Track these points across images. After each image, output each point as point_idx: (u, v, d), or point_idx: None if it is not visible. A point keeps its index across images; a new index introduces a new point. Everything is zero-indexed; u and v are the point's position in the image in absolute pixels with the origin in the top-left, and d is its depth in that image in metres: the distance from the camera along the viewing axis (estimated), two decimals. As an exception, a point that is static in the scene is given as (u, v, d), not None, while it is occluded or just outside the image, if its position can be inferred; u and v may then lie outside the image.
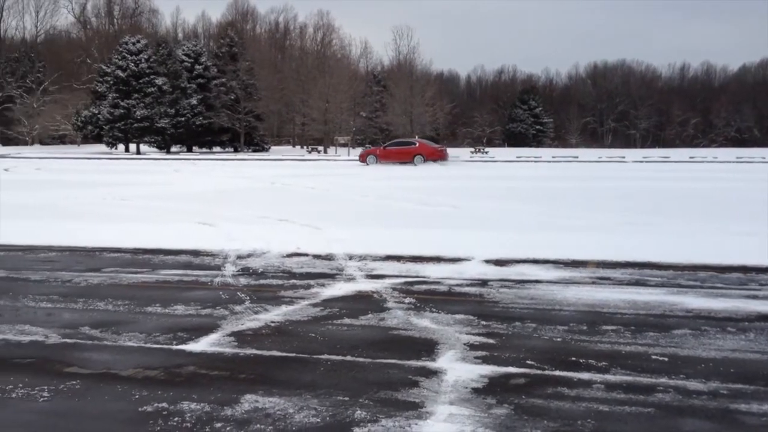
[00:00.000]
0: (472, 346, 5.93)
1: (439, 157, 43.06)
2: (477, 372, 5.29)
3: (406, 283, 8.55)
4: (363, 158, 43.98)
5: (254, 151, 71.44)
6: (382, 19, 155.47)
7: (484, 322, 6.69)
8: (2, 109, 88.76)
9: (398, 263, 9.83)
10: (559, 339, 6.19)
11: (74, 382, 5.09)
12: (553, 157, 53.95)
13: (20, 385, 5.01)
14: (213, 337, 6.25)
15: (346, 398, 4.76)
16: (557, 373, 5.29)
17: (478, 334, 6.29)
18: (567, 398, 4.78)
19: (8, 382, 5.08)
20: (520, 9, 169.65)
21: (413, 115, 77.07)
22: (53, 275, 9.17)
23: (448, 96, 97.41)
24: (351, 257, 10.29)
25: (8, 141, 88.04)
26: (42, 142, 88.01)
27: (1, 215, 15.24)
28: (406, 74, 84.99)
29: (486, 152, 65.98)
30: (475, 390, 4.92)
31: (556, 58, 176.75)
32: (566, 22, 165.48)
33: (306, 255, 10.50)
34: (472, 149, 71.66)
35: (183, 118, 66.90)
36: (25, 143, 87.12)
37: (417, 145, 44.05)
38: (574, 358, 5.63)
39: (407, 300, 7.61)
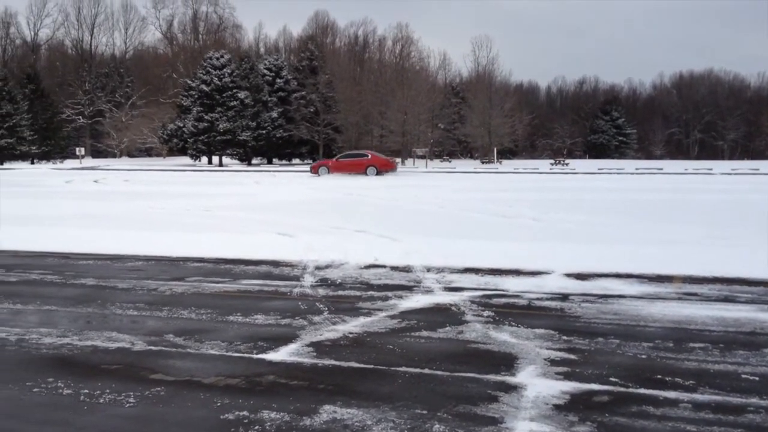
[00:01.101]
0: (553, 362, 5.82)
1: (391, 168, 45.13)
2: (558, 388, 5.18)
3: (484, 296, 8.46)
4: (315, 170, 45.12)
5: (333, 163, 72.25)
6: (461, 30, 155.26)
7: (565, 337, 6.56)
8: (93, 123, 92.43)
9: (477, 276, 9.75)
10: (643, 356, 6.01)
11: (159, 389, 5.21)
12: (636, 168, 52.73)
13: (108, 391, 5.16)
14: (292, 346, 6.31)
15: (425, 411, 4.73)
16: (642, 391, 5.13)
17: (560, 350, 6.17)
18: (652, 417, 4.63)
19: (96, 387, 5.24)
20: (602, 19, 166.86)
21: (491, 126, 76.57)
22: (139, 284, 9.43)
23: (528, 107, 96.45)
24: (429, 269, 10.25)
25: (98, 153, 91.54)
26: (130, 155, 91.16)
27: (90, 225, 15.81)
28: (484, 85, 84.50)
29: (566, 164, 65.00)
30: (557, 406, 4.81)
31: (639, 67, 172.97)
32: (650, 31, 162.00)
33: (383, 266, 10.52)
34: (552, 161, 70.74)
35: (264, 131, 68.17)
36: (114, 156, 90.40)
37: (369, 156, 45.88)
38: (659, 376, 5.45)
39: (486, 313, 7.53)
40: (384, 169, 44.14)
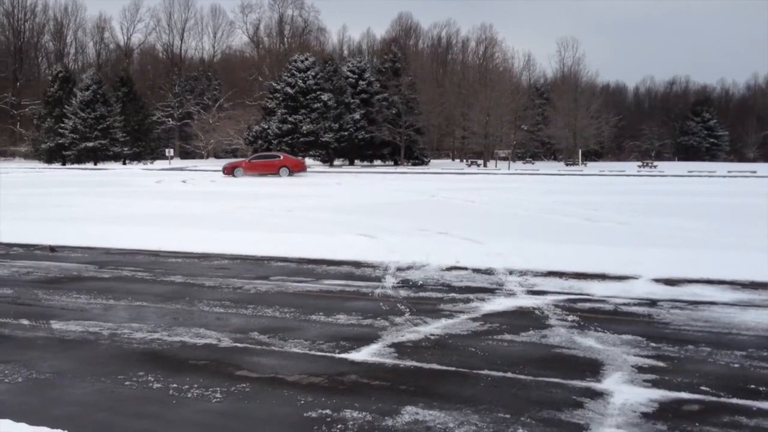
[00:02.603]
0: (641, 369, 5.66)
1: (302, 168, 46.51)
2: (646, 396, 5.03)
3: (568, 300, 8.30)
4: (228, 170, 45.38)
5: (414, 164, 72.30)
6: (546, 31, 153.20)
7: (653, 344, 6.37)
8: (182, 124, 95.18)
9: (560, 279, 9.58)
10: (736, 365, 5.78)
11: (244, 385, 5.31)
12: (728, 171, 50.92)
13: (195, 386, 5.28)
14: (374, 347, 6.34)
15: (508, 415, 4.67)
16: (734, 401, 4.94)
17: (647, 356, 6.00)
18: (745, 428, 4.45)
19: (185, 382, 5.37)
20: (692, 18, 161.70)
21: (577, 128, 75.27)
22: (225, 282, 9.64)
23: (615, 108, 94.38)
24: (511, 272, 10.13)
25: (186, 154, 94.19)
26: (216, 156, 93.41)
27: (179, 224, 16.25)
28: (570, 86, 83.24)
29: (654, 166, 63.30)
30: (644, 414, 4.68)
31: (732, 67, 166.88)
32: (744, 30, 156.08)
33: (465, 269, 10.45)
34: (640, 163, 69.00)
35: (346, 133, 68.81)
36: (201, 156, 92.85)
37: (282, 157, 47.30)
38: (753, 386, 5.24)
39: (570, 318, 7.38)
40: (296, 169, 45.71)
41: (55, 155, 73.04)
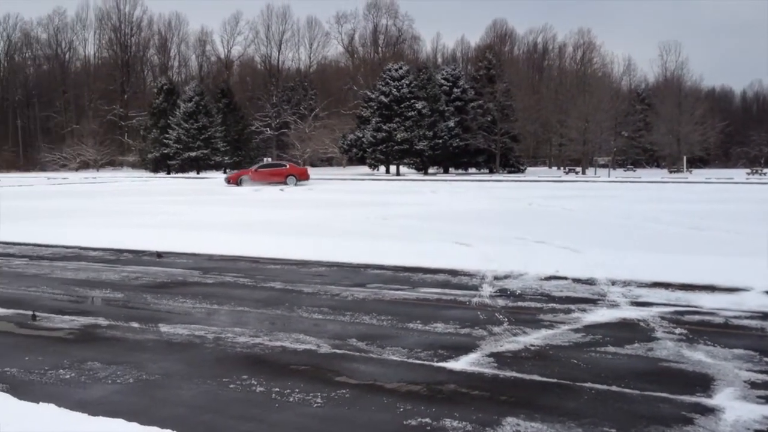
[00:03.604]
0: (754, 384, 5.40)
1: (306, 177, 46.50)
2: (760, 413, 4.80)
3: (675, 312, 8.01)
4: (234, 179, 44.70)
5: (509, 172, 71.57)
6: (646, 35, 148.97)
7: (767, 359, 6.07)
8: (279, 134, 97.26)
9: (666, 291, 9.25)
10: None
11: (344, 391, 5.35)
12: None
13: (296, 390, 5.36)
14: (472, 356, 6.28)
15: (613, 430, 4.54)
16: None
17: (761, 372, 5.72)
18: None
19: (286, 386, 5.46)
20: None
21: (681, 134, 72.87)
22: (323, 289, 9.76)
23: (721, 114, 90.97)
24: (614, 282, 9.87)
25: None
26: (312, 164, 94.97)
27: (277, 232, 16.57)
28: (673, 91, 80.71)
29: (764, 173, 60.61)
30: (760, 434, 4.46)
31: None
32: None
33: (565, 278, 10.24)
34: (749, 170, 66.20)
35: (440, 140, 68.76)
36: (297, 165, 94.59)
37: (288, 166, 47.54)
38: None
39: (677, 330, 7.12)
40: (302, 178, 45.80)
41: (161, 164, 75.92)
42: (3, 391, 5.10)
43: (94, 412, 4.63)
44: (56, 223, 19.28)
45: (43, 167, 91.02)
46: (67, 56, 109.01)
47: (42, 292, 9.63)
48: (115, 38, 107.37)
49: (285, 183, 44.62)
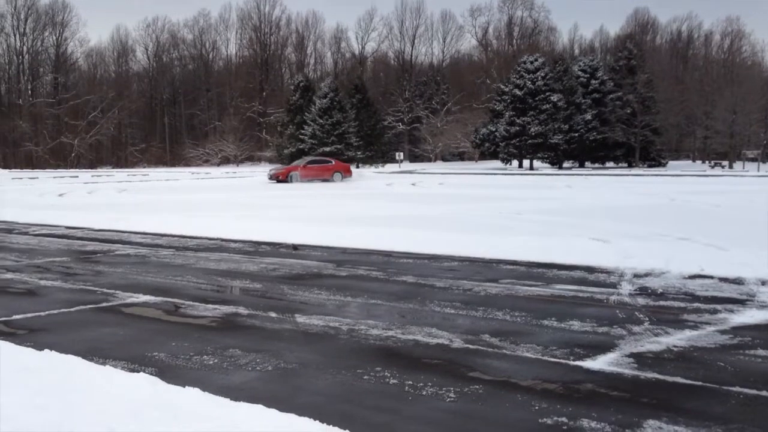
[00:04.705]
0: None
1: (350, 173, 45.86)
2: None
3: (834, 315, 7.45)
4: (284, 175, 42.93)
5: (649, 166, 68.85)
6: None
7: None
8: (411, 129, 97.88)
9: (823, 292, 8.62)
10: None
11: (477, 387, 5.30)
12: None
13: (429, 384, 5.36)
14: (611, 356, 6.07)
15: (765, 440, 4.26)
16: None
17: None
18: None
19: (419, 379, 5.47)
20: None
21: None
22: (455, 283, 9.72)
23: None
24: (764, 282, 9.28)
25: (415, 158, 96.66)
26: (443, 159, 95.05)
27: (408, 225, 16.67)
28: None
29: None
30: None
31: None
32: None
33: (711, 277, 9.73)
34: None
35: (576, 134, 67.04)
36: (429, 159, 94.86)
37: (333, 162, 46.72)
38: None
39: (837, 335, 6.61)
40: (347, 174, 45.26)
41: (296, 159, 78.08)
42: (152, 374, 5.37)
43: (235, 397, 4.80)
44: (200, 214, 20.21)
45: (187, 162, 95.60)
46: (210, 56, 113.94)
47: (187, 281, 10.11)
48: (255, 38, 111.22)
49: (331, 179, 44.33)
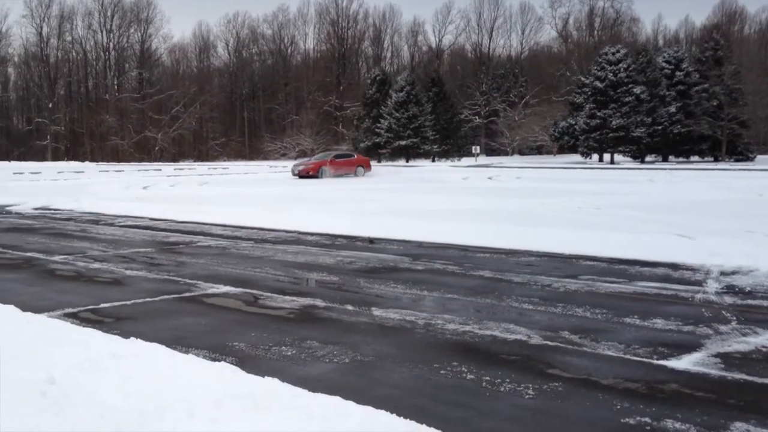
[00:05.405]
0: None
1: (370, 168, 45.66)
2: None
3: None
4: (314, 170, 41.96)
5: (736, 160, 66.44)
6: None
7: None
8: (488, 122, 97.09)
9: None
10: None
11: (556, 384, 5.21)
12: None
13: (507, 380, 5.29)
14: (696, 356, 5.88)
15: None
16: None
17: None
18: None
19: (497, 375, 5.41)
20: None
21: None
22: (533, 279, 9.59)
23: None
24: None
25: (491, 151, 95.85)
26: (521, 153, 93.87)
27: (485, 220, 16.53)
28: None
29: None
30: None
31: None
32: None
33: (803, 276, 9.33)
34: None
35: (659, 127, 65.22)
36: (506, 153, 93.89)
37: (356, 157, 46.68)
38: None
39: None
40: (368, 168, 45.18)
41: (371, 153, 78.34)
42: (233, 363, 5.47)
43: (313, 388, 4.84)
44: (278, 208, 20.52)
45: (265, 156, 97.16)
46: (288, 50, 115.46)
47: (266, 273, 10.26)
48: (333, 32, 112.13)
49: (355, 174, 43.79)
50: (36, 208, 22.43)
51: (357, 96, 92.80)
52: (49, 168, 62.35)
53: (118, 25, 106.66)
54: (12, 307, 7.26)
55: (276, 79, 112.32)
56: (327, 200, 23.89)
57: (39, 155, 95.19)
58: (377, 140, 76.38)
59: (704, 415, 4.56)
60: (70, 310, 7.84)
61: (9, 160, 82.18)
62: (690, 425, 4.39)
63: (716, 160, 67.07)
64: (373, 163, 72.78)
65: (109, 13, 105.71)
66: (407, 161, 75.48)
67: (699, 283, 9.03)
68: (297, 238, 14.31)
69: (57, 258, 11.94)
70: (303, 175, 41.68)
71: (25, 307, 7.39)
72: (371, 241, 13.70)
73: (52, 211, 21.41)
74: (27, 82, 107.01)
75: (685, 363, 5.69)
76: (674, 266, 10.33)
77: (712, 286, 8.87)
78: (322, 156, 47.57)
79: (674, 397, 4.93)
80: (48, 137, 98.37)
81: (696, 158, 70.45)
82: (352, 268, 10.60)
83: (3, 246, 13.51)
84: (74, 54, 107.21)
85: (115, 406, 4.37)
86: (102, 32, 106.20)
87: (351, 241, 13.76)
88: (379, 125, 76.05)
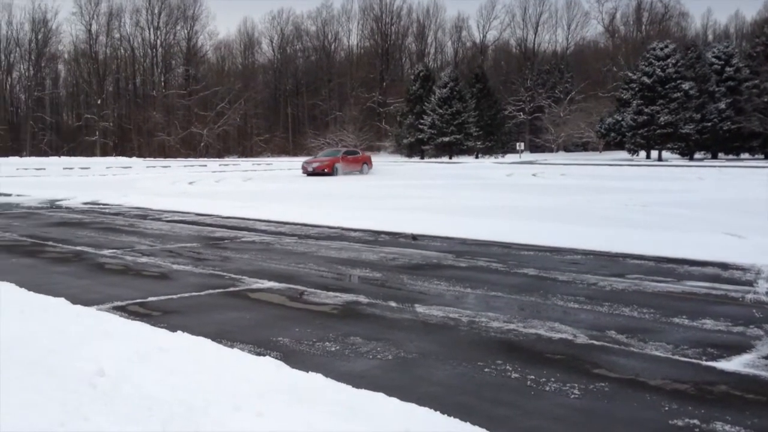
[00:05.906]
0: None
1: (371, 165, 45.58)
2: None
3: None
4: (329, 167, 41.25)
5: (788, 157, 64.94)
6: None
7: None
8: (532, 118, 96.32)
9: None
10: None
11: (602, 384, 5.14)
12: None
13: (552, 380, 5.24)
14: (746, 357, 5.76)
15: None
16: None
17: None
18: None
19: (542, 374, 5.36)
20: None
21: None
22: (578, 277, 9.47)
23: None
24: None
25: (536, 148, 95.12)
26: (566, 149, 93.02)
27: (527, 217, 16.40)
28: None
29: None
30: None
31: None
32: None
33: None
34: None
35: (709, 123, 64.04)
36: (551, 150, 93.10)
37: (361, 154, 46.45)
38: None
39: None
40: (370, 166, 45.06)
41: (415, 150, 78.41)
42: (277, 358, 5.51)
43: (357, 384, 4.85)
44: (319, 204, 20.62)
45: (309, 152, 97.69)
46: (332, 47, 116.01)
47: (309, 269, 10.32)
48: (377, 28, 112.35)
49: (361, 171, 43.48)
50: (85, 203, 22.88)
51: (400, 92, 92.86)
52: (97, 163, 63.65)
53: (165, 22, 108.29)
54: (63, 299, 7.41)
55: (319, 75, 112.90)
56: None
57: (88, 151, 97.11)
58: (420, 136, 76.33)
59: (755, 418, 4.46)
60: (119, 303, 7.97)
61: (59, 156, 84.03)
62: (740, 428, 4.30)
63: (767, 157, 65.54)
64: (416, 159, 72.74)
65: (156, 11, 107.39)
66: (450, 158, 75.25)
67: (750, 283, 8.84)
68: (340, 234, 14.36)
69: (106, 252, 12.16)
70: (318, 172, 41.15)
71: (75, 300, 7.53)
72: (414, 237, 13.68)
73: (101, 206, 21.82)
74: (76, 79, 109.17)
75: (735, 364, 5.57)
76: (724, 266, 10.13)
77: (763, 286, 8.68)
78: (330, 153, 47.44)
79: (724, 399, 4.84)
80: (97, 133, 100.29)
81: (746, 156, 68.98)
82: (395, 265, 10.60)
83: (54, 240, 13.81)
84: (122, 51, 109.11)
85: (162, 399, 4.43)
86: (149, 29, 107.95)
87: (394, 238, 13.76)
88: (422, 121, 75.98)
